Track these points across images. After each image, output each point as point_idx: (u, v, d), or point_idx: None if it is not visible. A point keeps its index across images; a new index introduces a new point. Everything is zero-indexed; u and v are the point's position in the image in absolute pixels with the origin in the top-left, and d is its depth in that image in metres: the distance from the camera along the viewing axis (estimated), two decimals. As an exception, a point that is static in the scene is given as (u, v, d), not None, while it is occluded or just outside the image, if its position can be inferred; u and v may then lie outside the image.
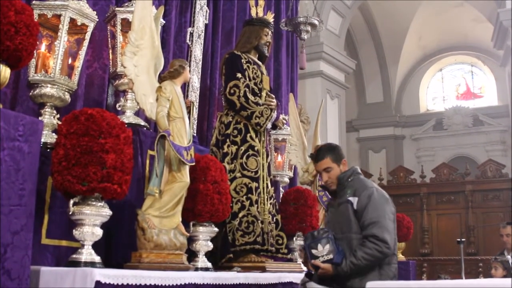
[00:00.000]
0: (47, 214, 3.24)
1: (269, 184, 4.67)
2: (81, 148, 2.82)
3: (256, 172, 4.50)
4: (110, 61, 4.25)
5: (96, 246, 3.03)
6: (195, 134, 5.09)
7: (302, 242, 5.11)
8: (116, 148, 2.90)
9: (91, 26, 3.74)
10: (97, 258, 2.96)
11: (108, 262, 3.30)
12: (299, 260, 5.10)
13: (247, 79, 4.62)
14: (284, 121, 5.22)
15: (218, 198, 3.74)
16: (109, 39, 4.27)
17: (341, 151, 3.60)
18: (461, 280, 5.62)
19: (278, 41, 7.42)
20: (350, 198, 3.33)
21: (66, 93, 3.59)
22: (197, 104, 5.36)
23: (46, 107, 3.54)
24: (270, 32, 4.96)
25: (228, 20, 6.43)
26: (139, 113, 4.09)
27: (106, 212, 3.00)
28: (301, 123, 6.28)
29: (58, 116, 3.57)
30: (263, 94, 4.71)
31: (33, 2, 3.55)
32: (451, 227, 11.26)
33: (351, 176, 3.44)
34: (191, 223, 3.72)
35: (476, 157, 13.92)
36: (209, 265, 3.82)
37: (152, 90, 3.51)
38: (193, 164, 3.56)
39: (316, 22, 6.11)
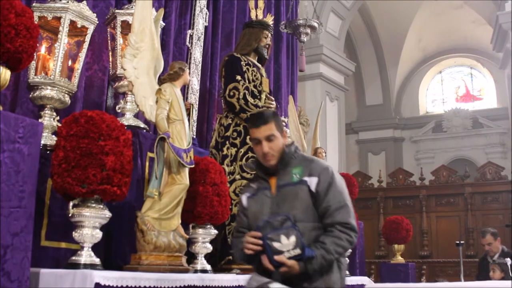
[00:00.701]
0: (47, 216, 3.25)
1: (269, 186, 4.68)
2: (81, 150, 2.82)
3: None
4: (110, 63, 4.25)
5: (95, 248, 3.03)
6: (194, 136, 5.09)
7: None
8: (116, 150, 2.90)
9: (91, 28, 3.74)
10: (97, 260, 2.96)
11: (108, 264, 3.30)
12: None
13: (247, 81, 4.63)
14: (284, 123, 5.22)
15: (217, 200, 3.74)
16: (109, 41, 4.28)
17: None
18: (460, 282, 5.63)
19: (277, 43, 7.43)
20: (306, 179, 2.65)
21: (66, 95, 3.59)
22: (197, 106, 5.36)
23: (46, 109, 3.55)
24: (269, 35, 4.97)
25: (228, 22, 6.44)
26: (138, 115, 4.09)
27: (106, 214, 3.01)
28: (301, 125, 6.28)
29: (58, 118, 3.57)
30: (263, 96, 4.72)
31: (34, 4, 3.56)
32: (451, 229, 11.26)
33: (296, 151, 2.76)
34: (191, 225, 3.72)
35: (476, 159, 13.92)
36: (208, 267, 3.82)
37: (152, 92, 3.52)
38: (193, 166, 3.57)
39: (315, 24, 6.12)
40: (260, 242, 2.51)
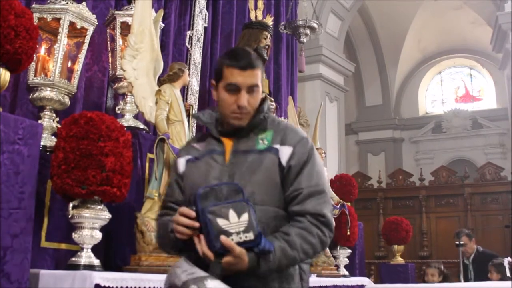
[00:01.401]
0: (47, 217, 3.24)
1: (268, 187, 4.67)
2: (81, 151, 2.82)
3: (255, 175, 4.49)
4: (110, 64, 4.25)
5: (95, 249, 3.03)
6: (194, 137, 5.08)
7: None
8: (116, 151, 2.90)
9: (90, 29, 3.74)
10: (96, 261, 2.96)
11: (108, 265, 3.30)
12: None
13: (246, 82, 4.63)
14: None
15: (217, 201, 3.73)
16: (108, 42, 4.28)
17: None
18: (460, 283, 5.63)
19: (277, 44, 7.43)
20: (277, 147, 1.92)
21: (66, 96, 3.59)
22: (197, 107, 5.36)
23: (46, 110, 3.55)
24: (269, 35, 4.98)
25: (227, 23, 6.44)
26: (138, 116, 4.09)
27: (106, 215, 3.01)
28: (300, 126, 6.28)
29: (57, 119, 3.57)
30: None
31: (33, 5, 3.56)
32: (450, 230, 11.23)
33: (268, 111, 2.04)
34: (190, 226, 3.71)
35: (475, 160, 13.93)
36: (208, 268, 3.81)
37: (152, 93, 3.52)
38: (192, 167, 3.56)
39: (315, 25, 6.13)
40: (197, 224, 1.73)
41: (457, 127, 14.65)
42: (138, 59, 3.51)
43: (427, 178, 12.09)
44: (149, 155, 3.82)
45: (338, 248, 5.84)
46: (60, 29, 3.57)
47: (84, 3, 3.80)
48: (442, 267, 6.52)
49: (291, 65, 7.85)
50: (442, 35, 14.70)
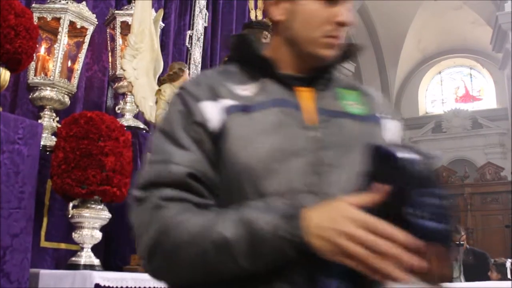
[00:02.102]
0: (47, 217, 3.24)
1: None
2: (81, 151, 2.82)
3: (255, 175, 4.49)
4: (110, 64, 4.25)
5: (95, 249, 3.03)
6: (194, 137, 5.08)
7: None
8: (116, 151, 2.90)
9: (90, 29, 3.74)
10: (96, 261, 2.96)
11: (107, 265, 3.30)
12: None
13: (246, 82, 4.62)
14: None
15: (217, 201, 3.73)
16: (108, 42, 4.28)
17: None
18: (460, 283, 5.63)
19: (277, 44, 7.43)
20: (381, 117, 1.23)
21: (66, 96, 3.59)
22: (196, 107, 5.35)
23: (46, 110, 3.54)
24: (269, 35, 4.97)
25: (227, 23, 6.44)
26: (138, 116, 4.09)
27: (106, 215, 3.01)
28: (300, 126, 6.27)
29: (57, 119, 3.57)
30: (262, 97, 4.71)
31: (33, 5, 3.56)
32: (450, 230, 11.26)
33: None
34: (190, 226, 3.71)
35: (475, 160, 13.93)
36: (208, 268, 3.81)
37: (152, 93, 3.52)
38: (192, 167, 3.56)
39: (315, 25, 6.12)
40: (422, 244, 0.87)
41: (457, 127, 14.65)
42: (138, 58, 3.52)
43: (427, 178, 12.09)
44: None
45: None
46: (60, 29, 3.57)
47: (84, 2, 3.80)
48: None
49: (291, 65, 7.85)
50: (442, 35, 14.70)
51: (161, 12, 4.04)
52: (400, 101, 15.76)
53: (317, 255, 0.91)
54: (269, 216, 0.93)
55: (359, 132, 1.14)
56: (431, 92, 16.03)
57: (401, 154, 0.90)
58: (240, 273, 0.95)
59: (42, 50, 3.66)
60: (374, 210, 0.89)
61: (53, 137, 3.44)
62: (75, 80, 3.70)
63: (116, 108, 4.18)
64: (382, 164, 0.92)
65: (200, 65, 5.46)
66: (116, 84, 4.15)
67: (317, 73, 1.18)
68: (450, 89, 15.85)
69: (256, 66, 1.17)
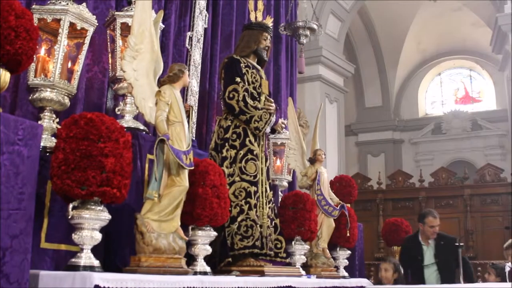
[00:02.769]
0: (46, 218, 3.24)
1: (268, 188, 4.68)
2: (81, 152, 2.82)
3: (255, 176, 4.50)
4: (110, 65, 4.25)
5: (95, 250, 3.03)
6: (194, 138, 5.09)
7: (300, 246, 5.10)
8: (116, 152, 2.90)
9: (90, 30, 3.74)
10: (96, 262, 2.96)
11: (107, 266, 3.30)
12: (298, 264, 5.10)
13: (246, 83, 4.63)
14: (283, 125, 5.23)
15: (217, 202, 3.74)
16: (108, 43, 4.28)
17: None
18: (460, 284, 5.62)
19: (277, 45, 7.43)
20: None
21: (66, 97, 3.59)
22: (196, 108, 5.36)
23: (46, 111, 3.54)
24: (269, 37, 4.97)
25: (227, 24, 6.45)
26: (138, 117, 4.09)
27: (105, 216, 3.01)
28: (300, 127, 6.27)
29: (57, 120, 3.57)
30: (262, 98, 4.72)
31: (33, 6, 3.56)
32: (450, 231, 11.22)
33: None
34: (190, 227, 3.72)
35: (475, 161, 13.94)
36: (208, 269, 3.82)
37: (151, 94, 3.51)
38: (192, 168, 3.57)
39: (315, 26, 6.13)
40: None
41: (456, 129, 14.67)
42: (138, 60, 3.51)
43: (427, 180, 12.10)
44: (149, 156, 3.82)
45: (338, 249, 5.84)
46: (60, 30, 3.56)
47: (84, 4, 3.80)
48: (397, 262, 6.09)
49: (290, 66, 7.86)
50: (442, 37, 14.72)
51: (161, 13, 4.04)
52: (400, 102, 15.77)
53: None
54: None
55: None
56: (431, 93, 16.05)
57: None
58: None
59: (42, 51, 3.66)
60: None
61: (53, 138, 3.44)
62: (75, 81, 3.70)
63: (116, 109, 4.18)
64: None
65: (200, 67, 5.47)
66: (116, 85, 4.15)
67: None
68: (449, 91, 15.87)
69: None
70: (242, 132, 4.55)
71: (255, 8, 5.14)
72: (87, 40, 3.75)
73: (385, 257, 6.47)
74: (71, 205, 2.91)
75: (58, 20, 3.57)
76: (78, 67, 3.74)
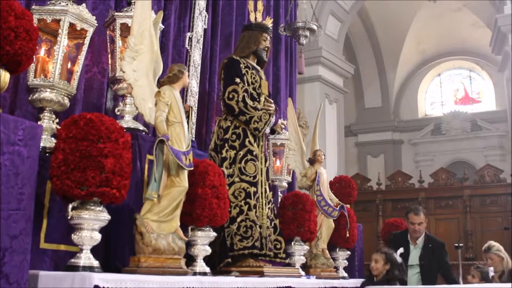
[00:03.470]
0: (46, 218, 3.24)
1: (268, 189, 4.68)
2: (80, 152, 2.82)
3: (255, 177, 4.50)
4: (109, 65, 4.25)
5: (94, 251, 3.03)
6: (193, 139, 5.09)
7: (300, 247, 5.10)
8: (115, 152, 2.90)
9: (90, 30, 3.74)
10: (96, 263, 2.96)
11: (107, 266, 3.30)
12: (297, 265, 5.10)
13: (246, 84, 4.63)
14: (283, 126, 5.23)
15: (216, 202, 3.74)
16: (108, 43, 4.28)
17: None
18: (459, 285, 5.62)
19: (276, 46, 7.44)
20: None
21: (65, 97, 3.59)
22: (196, 108, 5.36)
23: (45, 111, 3.54)
24: (268, 37, 4.98)
25: (227, 25, 6.45)
26: (138, 117, 4.09)
27: (105, 216, 3.01)
28: (300, 128, 6.28)
29: (57, 120, 3.57)
30: (262, 99, 4.72)
31: (33, 7, 3.56)
32: (449, 232, 11.27)
33: None
34: (190, 228, 3.72)
35: (474, 162, 13.95)
36: (207, 269, 3.82)
37: (151, 94, 3.52)
38: (192, 168, 3.57)
39: (314, 27, 6.13)
40: None
41: (456, 129, 14.68)
42: (137, 60, 3.51)
43: (427, 180, 12.10)
44: (149, 157, 3.82)
45: (337, 250, 5.85)
46: (60, 31, 3.56)
47: (84, 4, 3.80)
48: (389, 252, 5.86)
49: (290, 67, 7.86)
50: (442, 37, 14.72)
51: (160, 13, 4.04)
52: (399, 103, 15.78)
53: None
54: None
55: None
56: (431, 94, 16.05)
57: None
58: None
59: (42, 51, 3.66)
60: None
61: (52, 138, 3.44)
62: (74, 82, 3.70)
63: (116, 110, 4.18)
64: None
65: (199, 67, 5.47)
66: (116, 85, 4.15)
67: None
68: (449, 91, 15.87)
69: None
70: (241, 133, 4.56)
71: (255, 9, 5.14)
72: (87, 41, 3.75)
73: (478, 265, 6.25)
74: (70, 206, 2.91)
75: (58, 21, 3.57)
76: (78, 68, 3.74)
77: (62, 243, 3.31)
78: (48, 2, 3.62)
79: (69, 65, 3.74)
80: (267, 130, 4.70)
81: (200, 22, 5.54)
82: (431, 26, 14.39)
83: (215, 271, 4.10)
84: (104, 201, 2.97)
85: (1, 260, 2.36)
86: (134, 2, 3.84)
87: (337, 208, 5.59)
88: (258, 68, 4.88)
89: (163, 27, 4.78)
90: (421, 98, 15.94)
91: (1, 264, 2.35)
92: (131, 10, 4.06)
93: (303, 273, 4.96)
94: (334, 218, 5.58)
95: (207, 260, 3.94)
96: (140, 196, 3.65)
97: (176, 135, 3.48)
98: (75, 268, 2.87)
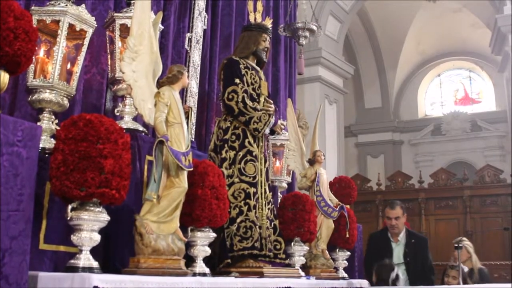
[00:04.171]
0: (45, 219, 3.24)
1: (267, 189, 4.68)
2: (80, 153, 2.82)
3: (254, 178, 4.50)
4: (109, 66, 4.25)
5: (94, 252, 3.03)
6: (193, 140, 5.09)
7: (300, 247, 5.10)
8: (115, 153, 2.90)
9: (89, 31, 3.74)
10: (95, 263, 2.95)
11: (106, 267, 3.30)
12: (297, 265, 5.10)
13: (245, 84, 4.63)
14: (282, 127, 5.23)
15: (216, 203, 3.74)
16: (107, 44, 4.28)
17: None
18: (459, 285, 5.61)
19: (276, 46, 7.44)
20: None
21: (65, 98, 3.59)
22: (195, 109, 5.36)
23: (45, 112, 3.54)
24: (268, 38, 4.97)
25: (227, 25, 6.45)
26: (137, 118, 4.09)
27: (104, 217, 3.00)
28: (299, 128, 6.27)
29: (56, 121, 3.57)
30: (261, 99, 4.72)
31: (32, 7, 3.56)
32: (449, 232, 11.25)
33: None
34: (189, 229, 3.72)
35: (474, 162, 13.95)
36: (207, 270, 3.82)
37: (151, 95, 3.51)
38: (191, 169, 3.57)
39: (314, 27, 6.13)
40: None
41: (456, 130, 14.68)
42: (137, 61, 3.51)
43: (426, 181, 12.09)
44: (148, 157, 3.82)
45: (337, 250, 5.84)
46: (59, 31, 3.56)
47: (83, 5, 3.80)
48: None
49: (290, 68, 7.86)
50: (441, 38, 14.73)
51: (160, 14, 4.04)
52: (399, 103, 15.78)
53: None
54: None
55: None
56: (430, 94, 16.05)
57: None
58: None
59: (41, 52, 3.65)
60: None
61: (52, 139, 3.44)
62: (74, 83, 3.70)
63: (115, 111, 4.18)
64: None
65: (199, 68, 5.47)
66: (115, 86, 4.15)
67: None
68: (449, 92, 15.88)
69: None
70: (241, 133, 4.56)
71: (254, 9, 5.14)
72: (86, 42, 3.75)
73: (452, 264, 6.11)
74: (70, 207, 2.91)
75: (57, 22, 3.57)
76: (77, 69, 3.74)
77: (62, 244, 3.31)
78: (48, 3, 3.62)
79: (68, 66, 3.74)
80: (267, 131, 4.70)
81: (200, 23, 5.54)
82: (431, 26, 14.39)
83: (215, 272, 4.10)
84: (104, 202, 2.97)
85: (0, 261, 2.36)
86: (134, 3, 3.84)
87: (337, 209, 5.58)
88: (258, 68, 4.88)
89: (163, 27, 4.79)
90: (421, 98, 15.95)
91: (1, 265, 2.35)
92: (131, 10, 4.06)
93: (303, 273, 4.96)
94: (334, 219, 5.58)
95: (207, 260, 3.94)
96: (140, 197, 3.65)
97: (175, 135, 3.48)
98: (74, 269, 2.87)
